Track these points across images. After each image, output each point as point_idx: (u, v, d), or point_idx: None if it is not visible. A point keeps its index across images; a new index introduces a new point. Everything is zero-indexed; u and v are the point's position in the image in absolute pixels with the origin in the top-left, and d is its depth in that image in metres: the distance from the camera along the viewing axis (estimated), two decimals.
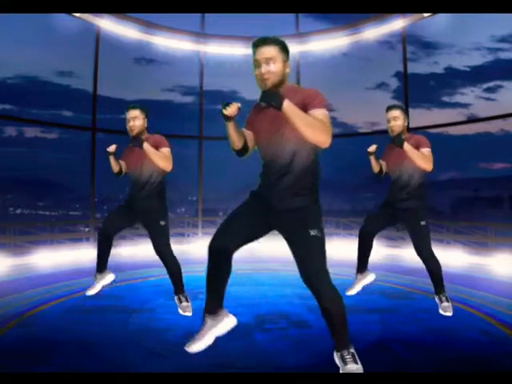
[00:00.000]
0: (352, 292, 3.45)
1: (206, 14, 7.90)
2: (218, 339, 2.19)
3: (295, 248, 2.00)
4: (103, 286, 3.36)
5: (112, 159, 3.22)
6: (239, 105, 1.89)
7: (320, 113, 1.83)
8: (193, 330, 2.77)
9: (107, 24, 6.90)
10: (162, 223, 3.13)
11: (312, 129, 1.75)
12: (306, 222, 1.96)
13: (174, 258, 3.19)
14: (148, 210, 3.15)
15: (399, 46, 7.27)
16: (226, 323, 2.17)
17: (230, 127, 1.97)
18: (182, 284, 3.23)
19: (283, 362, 2.29)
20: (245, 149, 2.08)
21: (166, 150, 3.06)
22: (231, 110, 1.88)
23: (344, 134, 9.49)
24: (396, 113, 3.13)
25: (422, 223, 3.13)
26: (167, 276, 3.30)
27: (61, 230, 6.79)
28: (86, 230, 7.38)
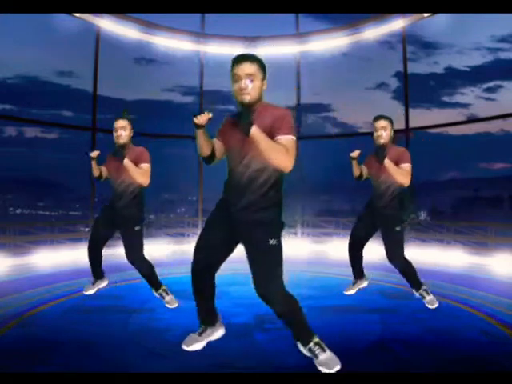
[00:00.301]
0: (351, 292, 3.52)
1: (206, 14, 7.90)
2: (218, 339, 2.21)
3: (253, 256, 2.07)
4: (99, 288, 3.47)
5: (94, 164, 3.30)
6: (210, 115, 1.96)
7: (286, 139, 1.91)
8: (193, 330, 2.77)
9: (107, 24, 6.90)
10: (137, 228, 3.21)
11: (275, 154, 1.87)
12: (267, 232, 2.02)
13: (145, 260, 3.25)
14: (125, 218, 3.22)
15: (399, 46, 7.27)
16: (221, 332, 2.34)
17: (200, 135, 2.03)
18: (157, 281, 3.31)
19: (283, 362, 2.29)
20: (211, 157, 2.15)
21: (145, 166, 3.14)
22: (202, 119, 1.95)
23: (344, 134, 9.48)
24: (384, 123, 3.24)
25: (397, 229, 3.26)
26: (167, 276, 3.32)
27: (61, 230, 6.78)
28: (86, 230, 7.38)
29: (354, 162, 3.37)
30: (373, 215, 3.38)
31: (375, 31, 7.29)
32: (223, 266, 2.18)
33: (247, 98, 1.97)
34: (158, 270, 3.29)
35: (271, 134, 1.90)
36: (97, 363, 2.25)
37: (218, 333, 2.33)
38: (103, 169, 3.37)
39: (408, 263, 3.29)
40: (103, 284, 3.51)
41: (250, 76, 1.96)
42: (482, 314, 3.22)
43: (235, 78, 1.99)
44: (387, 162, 3.05)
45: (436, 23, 7.04)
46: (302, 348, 2.11)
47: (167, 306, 3.26)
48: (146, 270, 3.24)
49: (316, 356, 2.06)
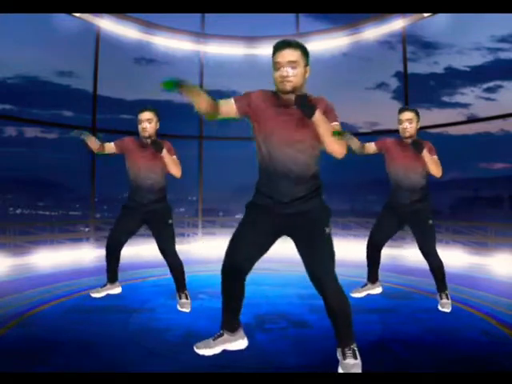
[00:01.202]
0: (358, 295, 3.50)
1: (206, 14, 7.89)
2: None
3: (309, 247, 2.03)
4: (108, 294, 3.47)
5: (90, 141, 3.15)
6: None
7: (338, 126, 1.97)
8: (193, 330, 2.78)
9: (107, 24, 6.90)
10: (170, 222, 3.23)
11: (335, 140, 1.89)
12: (321, 221, 2.03)
13: (177, 256, 3.25)
14: (158, 212, 3.21)
15: (399, 46, 7.26)
16: (239, 344, 2.32)
17: (192, 96, 1.86)
18: (184, 282, 3.29)
19: (283, 362, 2.29)
20: (213, 114, 1.97)
21: (176, 158, 3.13)
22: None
23: None
24: (410, 115, 3.16)
25: (430, 222, 3.22)
26: (167, 276, 3.32)
27: (61, 230, 6.78)
28: (86, 230, 7.37)
29: (350, 139, 3.09)
30: (398, 213, 3.29)
31: (375, 31, 7.28)
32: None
33: (289, 86, 1.90)
34: (158, 271, 3.29)
35: None
36: (97, 363, 2.25)
37: (237, 343, 2.30)
38: (108, 145, 3.23)
39: (440, 261, 3.23)
40: (114, 291, 3.47)
41: (292, 63, 1.89)
42: (482, 313, 3.22)
43: (276, 66, 1.92)
44: (426, 154, 2.99)
45: (436, 23, 7.03)
46: (338, 349, 2.07)
47: (178, 307, 3.24)
48: (178, 265, 3.23)
49: (344, 358, 2.02)
